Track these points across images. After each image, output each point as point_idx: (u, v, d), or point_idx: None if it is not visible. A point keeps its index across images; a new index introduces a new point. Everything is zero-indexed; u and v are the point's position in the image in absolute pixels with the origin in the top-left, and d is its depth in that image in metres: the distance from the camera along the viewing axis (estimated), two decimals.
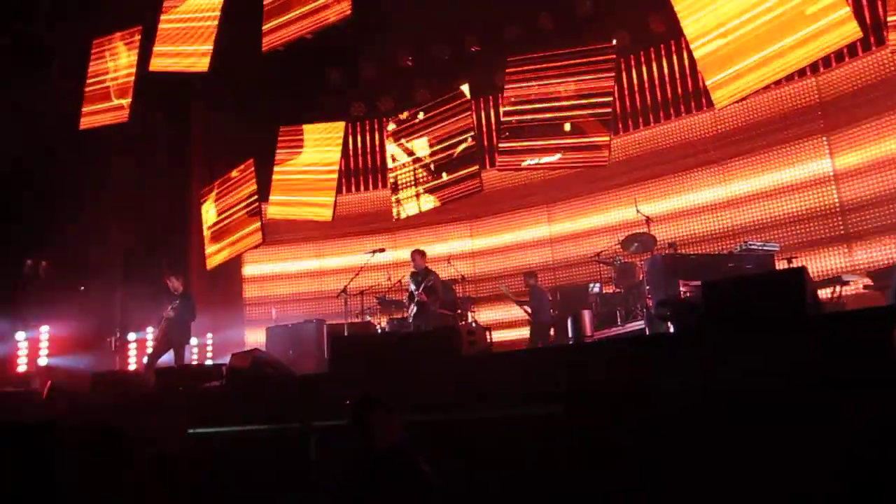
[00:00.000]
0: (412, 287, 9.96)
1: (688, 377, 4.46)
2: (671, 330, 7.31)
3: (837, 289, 8.35)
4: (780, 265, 8.75)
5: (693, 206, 11.42)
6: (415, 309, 9.82)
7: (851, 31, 8.60)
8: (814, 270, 9.66)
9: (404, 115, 13.39)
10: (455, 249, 13.05)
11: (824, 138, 10.36)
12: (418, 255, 10.12)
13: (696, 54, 9.92)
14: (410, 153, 13.18)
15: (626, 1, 11.49)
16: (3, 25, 11.97)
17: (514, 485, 4.70)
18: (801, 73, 10.19)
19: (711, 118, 11.41)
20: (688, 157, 11.63)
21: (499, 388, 5.16)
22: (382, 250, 10.82)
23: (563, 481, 4.56)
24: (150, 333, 13.18)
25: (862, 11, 9.72)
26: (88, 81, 12.99)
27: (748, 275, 7.88)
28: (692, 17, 9.88)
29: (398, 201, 13.17)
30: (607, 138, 10.98)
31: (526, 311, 11.07)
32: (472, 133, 12.50)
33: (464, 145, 12.47)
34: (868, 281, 8.60)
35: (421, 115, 13.12)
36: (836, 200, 10.13)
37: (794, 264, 8.58)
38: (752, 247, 8.92)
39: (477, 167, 12.32)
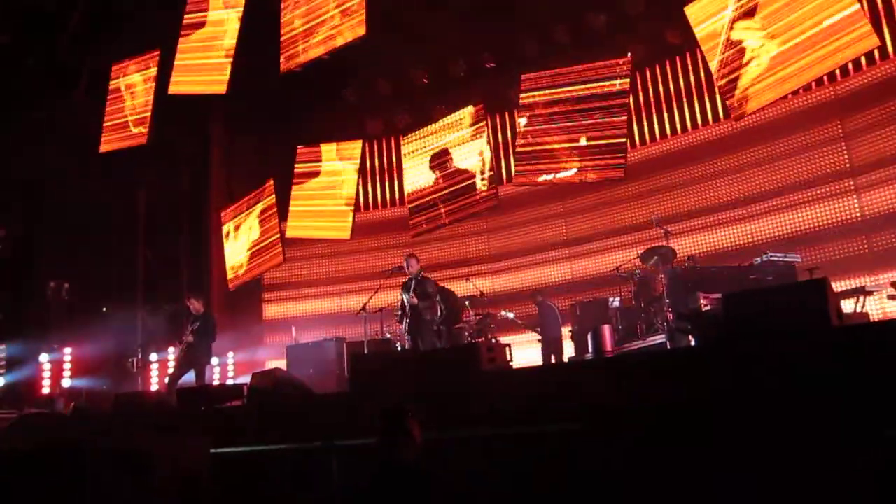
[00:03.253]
0: (404, 297, 9.62)
1: (710, 391, 4.42)
2: (692, 343, 7.27)
3: (861, 299, 8.25)
4: (802, 277, 8.67)
5: (712, 219, 11.37)
6: (407, 320, 9.47)
7: (869, 39, 8.54)
8: (836, 281, 9.55)
9: (421, 131, 13.44)
10: (473, 265, 13.07)
11: (844, 147, 10.29)
12: (413, 259, 9.81)
13: (713, 66, 9.90)
14: (427, 169, 13.21)
15: (641, 14, 11.49)
16: (30, 47, 12.19)
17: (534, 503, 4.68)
18: (819, 82, 10.13)
19: (729, 130, 11.36)
20: (706, 169, 11.59)
21: (518, 405, 5.13)
22: (401, 268, 10.81)
23: (583, 499, 4.53)
24: (171, 354, 13.29)
25: (879, 20, 9.66)
26: (108, 105, 13.18)
27: (770, 287, 7.81)
28: (708, 29, 9.88)
29: (415, 218, 13.18)
30: (623, 152, 10.96)
31: (536, 332, 11.05)
32: (488, 148, 12.51)
33: (480, 161, 12.48)
34: (893, 291, 8.50)
35: (437, 129, 13.16)
36: (858, 209, 10.05)
37: (816, 275, 8.50)
38: (773, 258, 8.84)
39: (494, 183, 12.33)
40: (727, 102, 9.83)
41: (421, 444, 3.84)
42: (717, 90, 10.35)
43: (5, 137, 11.85)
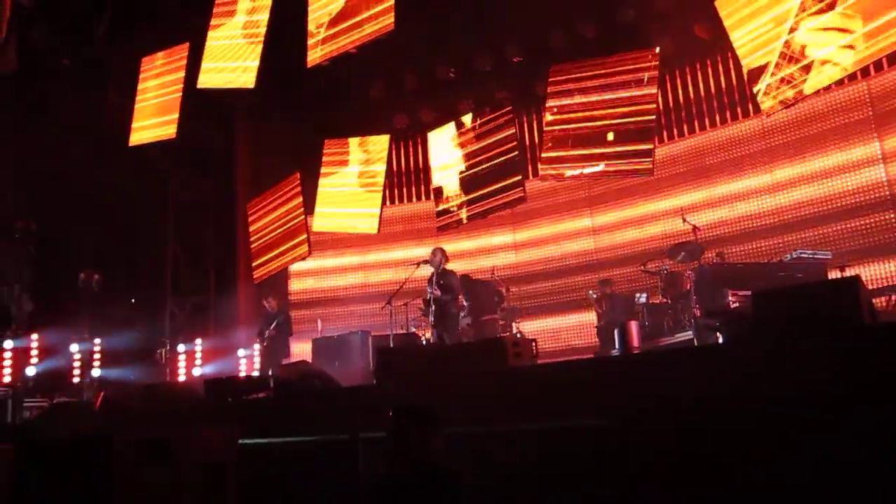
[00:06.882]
0: (429, 290, 9.75)
1: (738, 389, 4.37)
2: (720, 340, 7.20)
3: (893, 298, 8.13)
4: (833, 274, 8.55)
5: (741, 215, 11.23)
6: (432, 313, 9.58)
7: None
8: (868, 279, 9.39)
9: (446, 126, 13.43)
10: (499, 260, 13.04)
11: (876, 143, 10.11)
12: (438, 252, 9.88)
13: (743, 60, 9.77)
14: (454, 164, 13.19)
15: (670, 8, 11.36)
16: (60, 46, 12.36)
17: (560, 501, 4.66)
18: (852, 77, 9.93)
19: (759, 125, 11.22)
20: (735, 164, 11.46)
21: (544, 400, 5.12)
22: (427, 261, 10.82)
23: (610, 497, 4.50)
24: (198, 345, 13.46)
25: None
26: (137, 99, 13.31)
27: (800, 284, 7.71)
28: (738, 22, 9.73)
29: (442, 212, 13.17)
30: (651, 147, 10.85)
31: (599, 316, 11.00)
32: (516, 143, 12.45)
33: (507, 156, 12.42)
34: None
35: (466, 124, 13.12)
36: (891, 206, 9.86)
37: (848, 273, 8.38)
38: (803, 255, 8.73)
39: (520, 177, 12.28)
40: (757, 97, 9.65)
41: (431, 443, 3.77)
42: (746, 85, 10.20)
43: (37, 133, 12.03)
